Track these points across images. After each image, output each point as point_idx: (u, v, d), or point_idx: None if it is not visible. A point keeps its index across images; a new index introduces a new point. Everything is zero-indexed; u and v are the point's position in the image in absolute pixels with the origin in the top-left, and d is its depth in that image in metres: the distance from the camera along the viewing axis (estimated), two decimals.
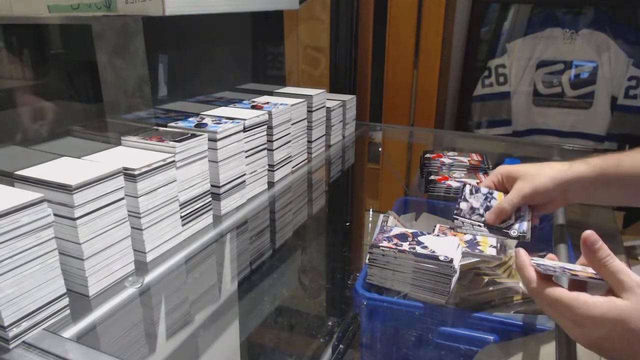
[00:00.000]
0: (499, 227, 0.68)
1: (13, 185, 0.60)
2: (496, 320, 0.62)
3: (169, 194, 0.71)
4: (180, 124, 0.85)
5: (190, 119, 0.88)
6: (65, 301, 0.58)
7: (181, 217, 0.75)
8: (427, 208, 0.93)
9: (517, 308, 0.65)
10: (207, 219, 0.82)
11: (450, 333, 0.63)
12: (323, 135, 1.22)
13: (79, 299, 0.61)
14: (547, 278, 0.50)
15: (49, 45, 0.90)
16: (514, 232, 0.67)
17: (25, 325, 0.53)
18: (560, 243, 0.67)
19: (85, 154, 0.69)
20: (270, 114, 0.95)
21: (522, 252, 0.54)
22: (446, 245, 0.65)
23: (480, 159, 1.04)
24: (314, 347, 0.83)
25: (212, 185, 0.82)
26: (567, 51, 1.59)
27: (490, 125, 1.72)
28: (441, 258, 0.62)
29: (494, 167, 0.75)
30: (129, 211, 0.65)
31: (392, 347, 0.69)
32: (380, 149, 1.52)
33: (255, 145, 0.92)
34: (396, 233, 0.68)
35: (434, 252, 0.63)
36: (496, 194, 0.71)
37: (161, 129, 0.83)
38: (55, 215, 0.55)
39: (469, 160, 1.02)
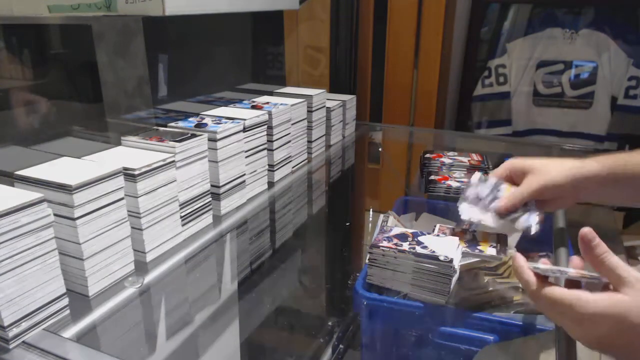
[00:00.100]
0: (504, 218, 0.68)
1: (13, 185, 0.60)
2: (496, 320, 0.62)
3: (168, 194, 0.71)
4: (180, 124, 0.86)
5: (190, 119, 0.88)
6: (65, 301, 0.58)
7: (181, 217, 0.75)
8: (427, 208, 0.94)
9: (517, 308, 0.65)
10: (207, 219, 0.82)
11: (450, 333, 0.63)
12: (323, 135, 1.22)
13: (78, 299, 0.61)
14: (545, 280, 0.50)
15: (49, 45, 0.90)
16: (520, 224, 0.66)
17: (25, 325, 0.53)
18: (560, 247, 0.66)
19: (85, 154, 0.69)
20: (270, 114, 0.95)
21: (519, 256, 0.54)
22: (446, 245, 0.65)
23: (480, 159, 1.04)
24: (314, 347, 0.83)
25: (212, 185, 0.82)
26: (567, 51, 1.59)
27: (490, 125, 1.71)
28: (441, 258, 0.62)
29: (494, 167, 0.75)
30: (129, 211, 0.65)
31: (392, 347, 0.69)
32: (380, 149, 1.52)
33: (255, 145, 0.92)
34: (396, 233, 0.68)
35: (434, 252, 0.63)
36: (504, 185, 0.71)
37: (161, 129, 0.83)
38: (55, 215, 0.56)
39: (469, 160, 1.02)
